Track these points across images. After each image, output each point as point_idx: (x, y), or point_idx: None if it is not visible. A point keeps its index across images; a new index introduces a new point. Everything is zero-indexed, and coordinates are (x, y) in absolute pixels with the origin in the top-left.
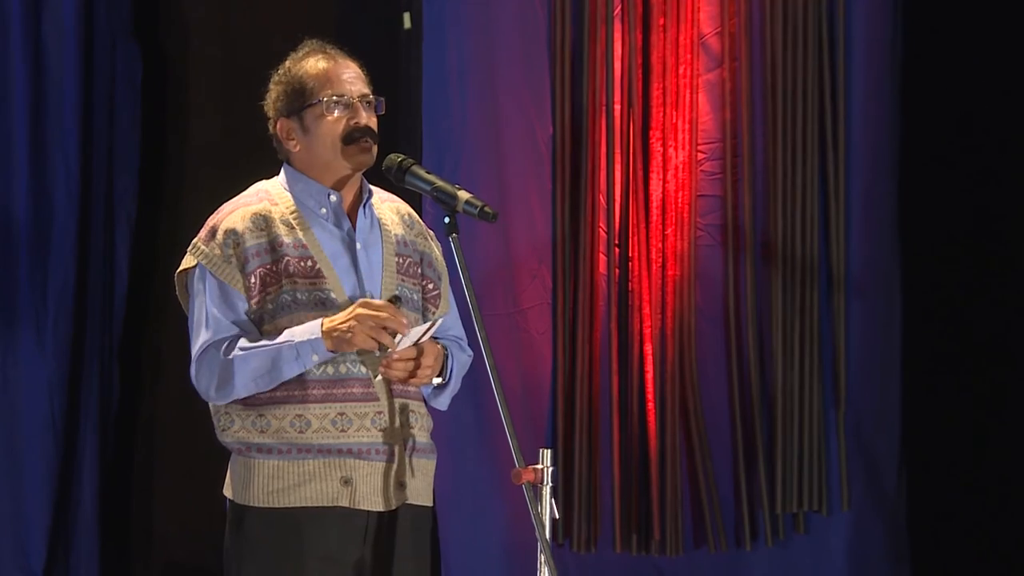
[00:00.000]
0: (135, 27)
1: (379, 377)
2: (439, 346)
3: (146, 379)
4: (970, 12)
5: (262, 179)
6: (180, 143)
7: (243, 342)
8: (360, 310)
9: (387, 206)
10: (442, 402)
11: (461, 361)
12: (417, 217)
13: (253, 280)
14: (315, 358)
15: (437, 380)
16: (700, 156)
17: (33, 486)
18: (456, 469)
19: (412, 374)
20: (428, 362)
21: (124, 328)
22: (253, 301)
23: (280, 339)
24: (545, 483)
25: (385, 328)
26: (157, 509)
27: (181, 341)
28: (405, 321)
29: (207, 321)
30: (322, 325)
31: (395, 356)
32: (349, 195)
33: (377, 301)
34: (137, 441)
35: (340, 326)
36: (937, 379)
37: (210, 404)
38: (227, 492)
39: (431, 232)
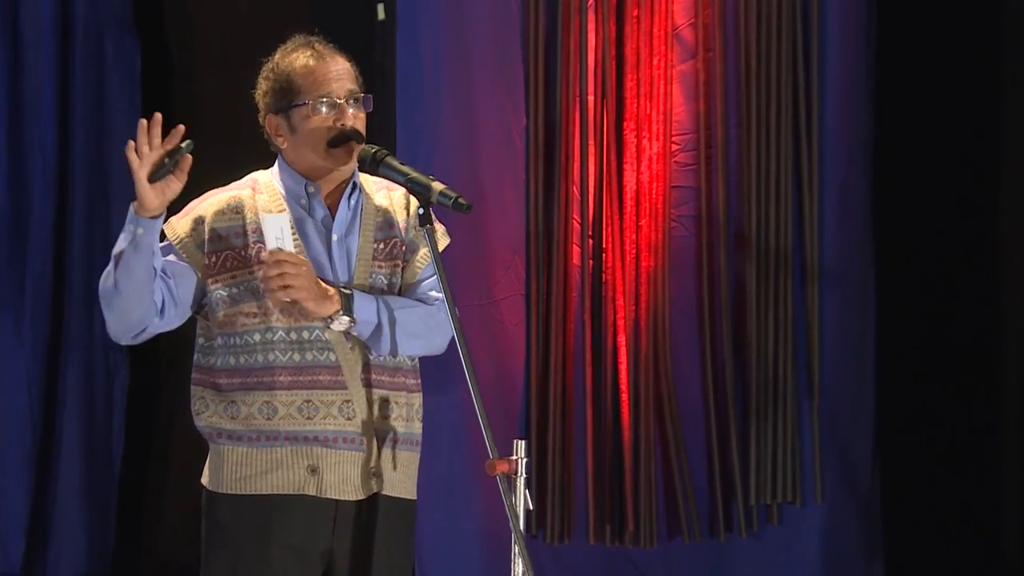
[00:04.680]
0: (135, 19)
1: (351, 360)
2: (334, 287)
3: (162, 372)
4: (944, 4)
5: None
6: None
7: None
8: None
9: (383, 193)
10: (382, 348)
11: (400, 309)
12: (415, 202)
13: (214, 259)
14: (135, 229)
15: (345, 319)
16: (674, 147)
17: (11, 479)
18: (430, 460)
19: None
20: (282, 269)
21: None
22: (210, 280)
23: None
24: (519, 474)
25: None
26: (149, 503)
27: (189, 334)
28: (273, 221)
29: None
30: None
31: (265, 258)
32: (331, 186)
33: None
34: (153, 434)
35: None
36: (911, 370)
37: (191, 388)
38: (203, 480)
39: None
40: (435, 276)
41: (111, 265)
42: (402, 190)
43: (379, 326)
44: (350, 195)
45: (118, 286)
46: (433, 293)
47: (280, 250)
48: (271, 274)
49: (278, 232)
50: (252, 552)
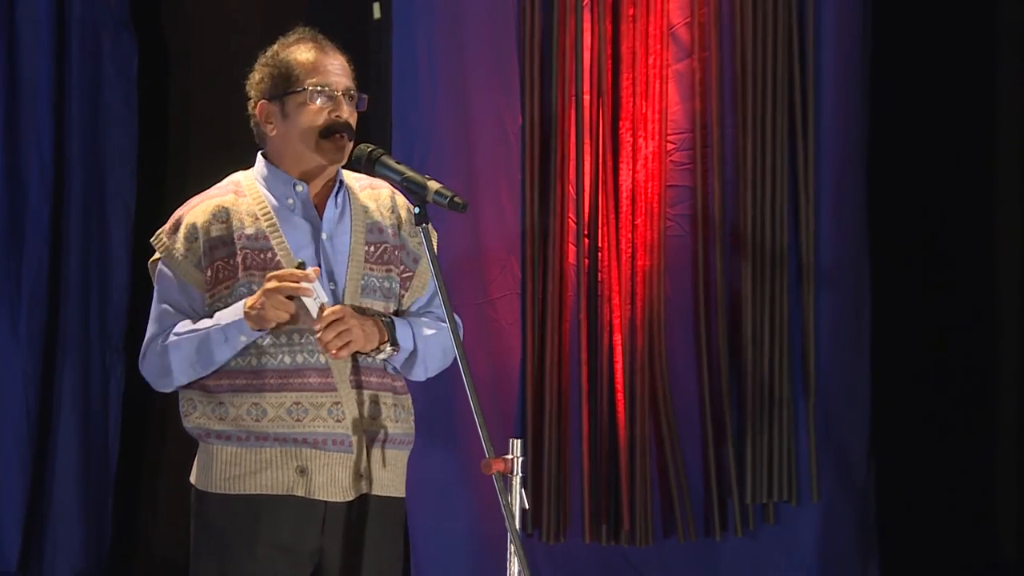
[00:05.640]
0: (132, 17)
1: (340, 362)
2: (371, 317)
3: None
4: (939, 3)
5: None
6: (182, 134)
7: (177, 327)
8: (267, 284)
9: (367, 193)
10: (416, 373)
11: (427, 330)
12: (402, 200)
13: (210, 273)
14: (243, 339)
15: (388, 349)
16: (670, 146)
17: (8, 477)
18: (426, 459)
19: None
20: (347, 324)
21: (129, 320)
22: (208, 294)
23: (208, 323)
24: (515, 473)
25: (291, 298)
26: (142, 501)
27: None
28: (308, 285)
29: (157, 315)
30: (244, 305)
31: (318, 327)
32: (318, 185)
33: (284, 271)
34: (149, 432)
35: (254, 305)
36: (907, 370)
37: (179, 390)
38: (192, 479)
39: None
40: (428, 295)
41: (191, 350)
42: (386, 190)
43: (414, 352)
44: (337, 193)
45: (195, 368)
46: (429, 310)
47: (322, 308)
48: (329, 339)
49: (314, 291)
50: (241, 550)
